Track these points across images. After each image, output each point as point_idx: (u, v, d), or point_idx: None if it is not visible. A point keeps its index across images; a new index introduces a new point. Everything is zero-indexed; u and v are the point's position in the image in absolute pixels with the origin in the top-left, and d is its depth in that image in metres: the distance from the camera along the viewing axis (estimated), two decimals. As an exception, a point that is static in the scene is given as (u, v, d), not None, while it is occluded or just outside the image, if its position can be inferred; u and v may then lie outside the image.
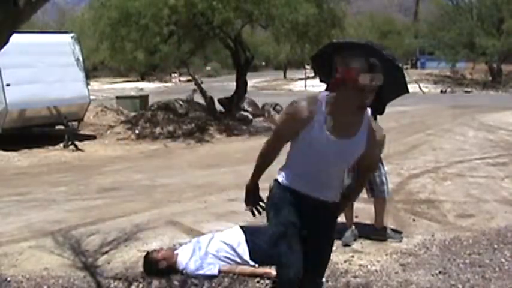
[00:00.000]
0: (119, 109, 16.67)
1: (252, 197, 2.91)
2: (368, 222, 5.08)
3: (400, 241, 4.69)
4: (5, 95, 11.10)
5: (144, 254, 4.17)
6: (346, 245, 4.58)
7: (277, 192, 2.79)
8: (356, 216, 5.02)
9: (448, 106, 19.04)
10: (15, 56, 10.21)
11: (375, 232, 4.79)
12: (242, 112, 15.25)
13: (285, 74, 40.79)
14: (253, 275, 3.92)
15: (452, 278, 3.87)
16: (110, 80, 41.53)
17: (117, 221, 5.57)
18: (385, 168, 4.75)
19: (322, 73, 4.95)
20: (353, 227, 4.75)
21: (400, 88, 4.54)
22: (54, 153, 11.31)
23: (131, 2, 12.13)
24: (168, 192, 7.08)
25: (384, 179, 4.64)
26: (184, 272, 3.97)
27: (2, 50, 3.02)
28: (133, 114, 15.64)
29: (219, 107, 15.44)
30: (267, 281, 3.85)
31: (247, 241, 4.07)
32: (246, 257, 4.01)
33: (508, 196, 6.30)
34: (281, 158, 2.82)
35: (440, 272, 3.98)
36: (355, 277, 3.93)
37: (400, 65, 4.50)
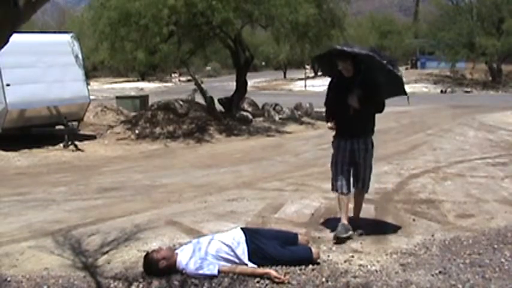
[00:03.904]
0: (118, 109, 16.67)
1: None
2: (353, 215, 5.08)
3: (351, 238, 4.66)
4: (5, 95, 11.09)
5: (144, 254, 4.17)
6: (337, 237, 4.59)
7: None
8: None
9: (448, 106, 19.07)
10: (15, 56, 10.23)
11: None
12: (242, 112, 15.25)
13: (285, 74, 40.86)
14: (253, 275, 3.92)
15: (452, 278, 3.87)
16: (110, 80, 41.60)
17: (117, 221, 5.57)
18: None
19: (324, 68, 5.60)
20: (345, 222, 4.75)
21: (398, 90, 4.81)
22: (54, 153, 11.30)
23: (131, 2, 12.11)
24: (168, 192, 7.08)
25: (371, 175, 4.94)
26: (184, 272, 3.97)
27: (2, 50, 3.02)
28: (133, 114, 15.64)
29: (219, 107, 15.44)
30: (267, 281, 3.85)
31: (247, 242, 4.07)
32: (245, 258, 4.01)
33: (508, 196, 6.30)
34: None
35: (440, 272, 3.97)
36: (355, 277, 3.93)
37: (399, 74, 4.69)
